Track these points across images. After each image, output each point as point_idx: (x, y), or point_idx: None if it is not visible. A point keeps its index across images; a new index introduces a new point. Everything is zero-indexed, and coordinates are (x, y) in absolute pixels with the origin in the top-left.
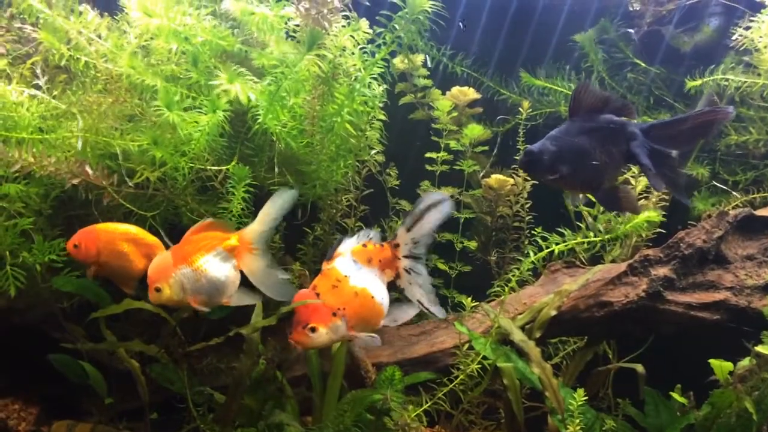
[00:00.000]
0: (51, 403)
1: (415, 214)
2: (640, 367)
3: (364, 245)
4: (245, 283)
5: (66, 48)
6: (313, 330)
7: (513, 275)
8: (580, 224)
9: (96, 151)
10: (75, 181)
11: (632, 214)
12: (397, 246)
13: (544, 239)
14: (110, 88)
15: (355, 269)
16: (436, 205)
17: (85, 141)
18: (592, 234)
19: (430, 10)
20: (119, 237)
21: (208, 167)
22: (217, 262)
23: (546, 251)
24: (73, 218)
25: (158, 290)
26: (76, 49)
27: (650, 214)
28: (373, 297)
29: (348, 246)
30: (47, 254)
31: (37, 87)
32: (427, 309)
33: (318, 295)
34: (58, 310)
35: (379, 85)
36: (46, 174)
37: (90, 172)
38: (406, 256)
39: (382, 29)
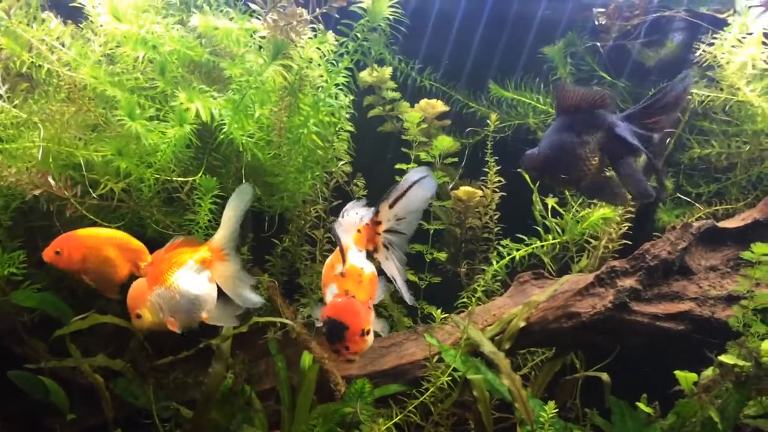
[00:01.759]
0: (12, 419)
1: (398, 190)
2: (605, 376)
3: (359, 231)
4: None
5: (28, 55)
6: (368, 333)
7: (479, 285)
8: (548, 234)
9: (59, 162)
10: (36, 192)
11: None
12: (378, 223)
13: (505, 246)
14: (74, 97)
15: (363, 258)
16: (420, 181)
17: (47, 151)
18: (551, 237)
19: (392, 18)
20: (104, 242)
21: (174, 178)
22: (189, 277)
23: (507, 258)
24: (34, 230)
25: (139, 317)
26: (39, 57)
27: (605, 212)
28: (375, 274)
29: (349, 238)
30: (7, 267)
31: None
32: (399, 289)
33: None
34: (18, 324)
35: (346, 96)
36: (6, 185)
37: (52, 182)
38: (386, 231)
39: (345, 39)
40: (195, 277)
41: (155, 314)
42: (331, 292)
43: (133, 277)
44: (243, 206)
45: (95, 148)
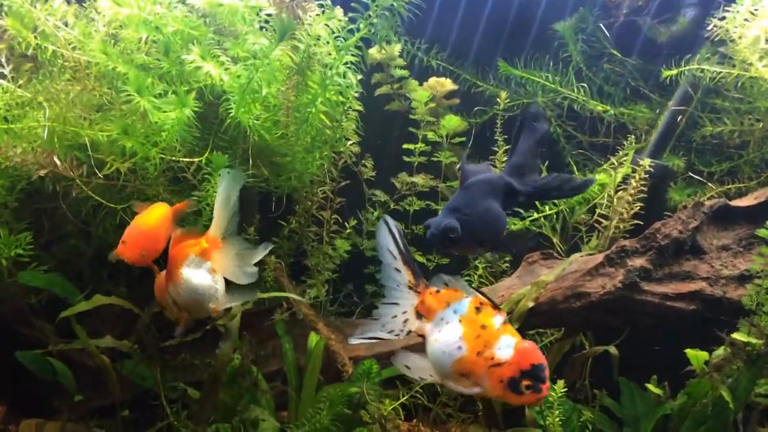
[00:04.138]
0: (19, 400)
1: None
2: (613, 349)
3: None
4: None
5: (32, 36)
6: None
7: (480, 263)
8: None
9: (64, 142)
10: (42, 173)
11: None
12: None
13: None
14: (78, 77)
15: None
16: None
17: (52, 131)
18: (547, 208)
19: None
20: (162, 223)
21: (180, 158)
22: (191, 272)
23: None
24: (40, 211)
25: (163, 308)
26: (43, 37)
27: (601, 177)
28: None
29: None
30: (13, 248)
31: (2, 76)
32: None
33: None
34: (25, 306)
35: (355, 74)
36: (12, 165)
37: (58, 162)
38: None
39: (355, 14)
40: (196, 271)
41: (170, 309)
42: (507, 345)
43: None
44: (232, 189)
45: (101, 127)
